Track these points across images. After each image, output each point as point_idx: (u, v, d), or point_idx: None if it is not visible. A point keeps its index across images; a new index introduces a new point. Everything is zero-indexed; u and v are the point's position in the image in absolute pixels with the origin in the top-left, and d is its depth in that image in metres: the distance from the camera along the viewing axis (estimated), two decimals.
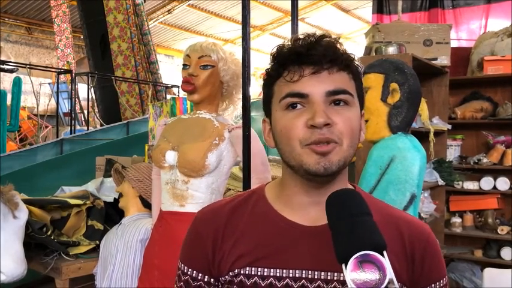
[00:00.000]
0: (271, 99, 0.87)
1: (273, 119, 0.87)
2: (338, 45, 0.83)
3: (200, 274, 0.89)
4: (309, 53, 0.81)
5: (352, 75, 0.85)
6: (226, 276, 0.85)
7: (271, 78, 0.86)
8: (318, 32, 0.84)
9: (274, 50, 0.86)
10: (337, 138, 0.80)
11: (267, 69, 0.88)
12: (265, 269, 0.83)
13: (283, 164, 0.87)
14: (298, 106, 0.81)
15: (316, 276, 0.82)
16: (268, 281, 0.83)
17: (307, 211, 0.86)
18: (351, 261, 0.66)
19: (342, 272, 0.81)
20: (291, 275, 0.82)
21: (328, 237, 0.82)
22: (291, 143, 0.81)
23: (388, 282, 0.65)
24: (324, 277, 0.82)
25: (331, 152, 0.79)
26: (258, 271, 0.84)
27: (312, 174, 0.81)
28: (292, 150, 0.82)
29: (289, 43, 0.84)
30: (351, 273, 0.66)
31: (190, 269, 0.90)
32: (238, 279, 0.84)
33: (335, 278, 0.82)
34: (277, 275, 0.83)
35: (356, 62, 0.85)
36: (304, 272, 0.82)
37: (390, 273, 0.65)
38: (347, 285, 0.80)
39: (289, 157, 0.83)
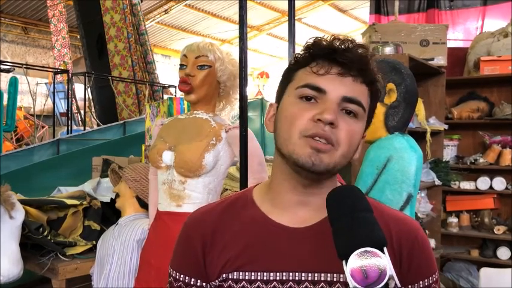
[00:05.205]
0: (288, 84, 0.87)
1: (281, 104, 0.87)
2: (370, 61, 0.84)
3: (193, 279, 0.89)
4: (344, 54, 0.81)
5: (371, 93, 0.86)
6: (216, 281, 0.86)
7: (297, 64, 0.87)
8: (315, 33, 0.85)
9: (311, 40, 0.86)
10: (335, 141, 0.80)
11: (296, 54, 0.88)
12: (253, 273, 0.84)
13: (276, 153, 0.88)
14: (312, 100, 0.82)
15: (303, 278, 0.82)
16: (256, 285, 0.83)
17: (295, 211, 0.86)
18: (351, 258, 0.66)
19: (329, 273, 0.82)
20: (278, 277, 0.83)
21: (315, 239, 0.83)
22: (291, 131, 0.81)
23: (389, 279, 0.65)
24: (311, 278, 0.82)
25: (325, 153, 0.80)
26: (245, 275, 0.84)
27: (299, 166, 0.81)
28: (288, 138, 0.82)
29: (327, 38, 0.85)
30: (350, 269, 0.66)
31: (182, 275, 0.90)
32: (227, 284, 0.84)
33: (322, 279, 0.82)
34: (265, 278, 0.83)
35: (379, 84, 0.87)
36: (291, 274, 0.83)
37: (390, 270, 0.65)
38: (334, 286, 0.81)
39: (282, 144, 0.83)
